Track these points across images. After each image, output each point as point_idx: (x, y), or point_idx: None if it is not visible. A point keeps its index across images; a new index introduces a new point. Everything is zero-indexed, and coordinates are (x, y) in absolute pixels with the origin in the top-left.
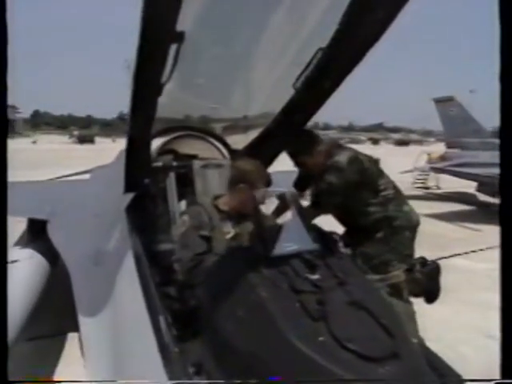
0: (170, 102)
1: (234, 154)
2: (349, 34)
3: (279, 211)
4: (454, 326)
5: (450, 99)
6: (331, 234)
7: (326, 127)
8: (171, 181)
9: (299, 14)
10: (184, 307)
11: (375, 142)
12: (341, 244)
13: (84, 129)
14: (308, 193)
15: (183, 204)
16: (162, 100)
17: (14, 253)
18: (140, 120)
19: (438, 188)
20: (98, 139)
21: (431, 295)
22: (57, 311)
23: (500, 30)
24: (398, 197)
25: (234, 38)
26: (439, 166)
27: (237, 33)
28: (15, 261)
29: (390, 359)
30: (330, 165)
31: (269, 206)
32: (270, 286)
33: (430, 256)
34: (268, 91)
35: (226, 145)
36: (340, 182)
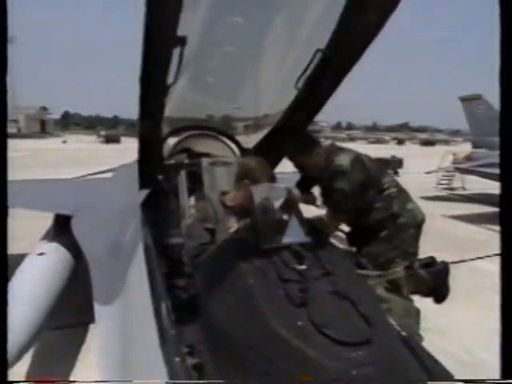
0: (189, 103)
1: (244, 152)
2: (345, 35)
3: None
4: (476, 330)
5: (477, 97)
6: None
7: (350, 127)
8: (182, 178)
9: (302, 15)
10: (183, 293)
11: (400, 142)
12: (346, 243)
13: (110, 129)
14: (318, 199)
15: (193, 199)
16: (179, 101)
17: (41, 246)
18: (149, 121)
19: (464, 189)
20: (123, 139)
21: (439, 295)
22: (80, 303)
23: (500, 30)
24: (402, 195)
25: (241, 41)
26: (464, 167)
27: (244, 36)
28: (42, 253)
29: (363, 345)
30: (333, 169)
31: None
32: (259, 274)
33: (452, 258)
34: (276, 91)
35: (237, 143)
36: (347, 185)
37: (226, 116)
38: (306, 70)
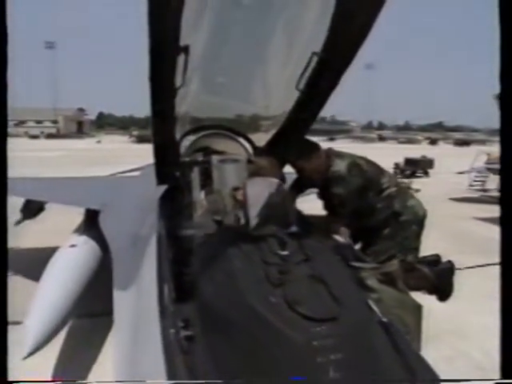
0: (197, 105)
1: (256, 150)
2: (337, 36)
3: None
4: (494, 334)
5: None
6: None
7: (381, 127)
8: (195, 174)
9: (299, 19)
10: (183, 276)
11: (433, 142)
12: (351, 242)
13: (143, 129)
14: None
15: (204, 194)
16: (188, 103)
17: (73, 238)
18: (161, 122)
19: (498, 191)
20: None
21: (442, 294)
22: (106, 292)
23: (500, 30)
24: (402, 192)
25: (242, 46)
26: (498, 167)
27: (244, 41)
28: (73, 245)
29: (328, 321)
30: (331, 176)
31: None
32: (245, 258)
33: (478, 262)
34: (278, 93)
35: (250, 142)
36: (345, 190)
37: (231, 116)
38: (304, 72)
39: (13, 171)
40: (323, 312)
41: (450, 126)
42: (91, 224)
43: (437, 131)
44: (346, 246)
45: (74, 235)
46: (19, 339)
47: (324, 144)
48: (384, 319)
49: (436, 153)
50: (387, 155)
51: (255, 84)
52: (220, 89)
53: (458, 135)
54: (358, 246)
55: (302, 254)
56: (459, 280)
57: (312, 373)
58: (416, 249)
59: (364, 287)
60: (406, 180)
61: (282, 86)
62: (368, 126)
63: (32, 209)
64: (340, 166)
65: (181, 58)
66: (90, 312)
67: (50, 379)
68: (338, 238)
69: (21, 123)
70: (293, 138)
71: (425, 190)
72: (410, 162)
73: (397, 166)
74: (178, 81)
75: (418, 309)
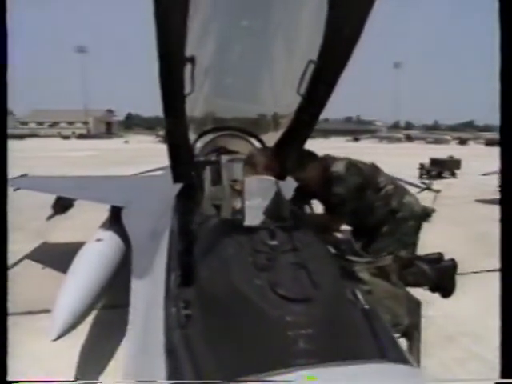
0: (208, 109)
1: (266, 149)
2: (330, 44)
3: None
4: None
5: None
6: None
7: (408, 126)
8: (207, 172)
9: (296, 26)
10: (186, 263)
11: (462, 142)
12: (348, 238)
13: None
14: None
15: (214, 189)
16: (198, 107)
17: (99, 233)
18: (173, 125)
19: None
20: None
21: (444, 291)
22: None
23: (500, 30)
24: (399, 190)
25: (245, 53)
26: None
27: (246, 48)
28: (99, 239)
29: (303, 301)
30: (330, 177)
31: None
32: (238, 247)
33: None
34: (280, 97)
35: (261, 142)
36: (344, 189)
37: (236, 118)
38: (302, 79)
39: (45, 170)
40: (299, 293)
41: (481, 125)
42: (116, 220)
43: (467, 131)
44: (343, 240)
45: (100, 230)
46: (49, 325)
47: (349, 144)
48: (366, 306)
49: (465, 153)
50: (413, 155)
51: (257, 88)
52: (225, 94)
53: (489, 135)
54: (358, 244)
55: (290, 245)
56: (481, 283)
57: (283, 344)
58: (414, 244)
59: (354, 278)
60: (426, 181)
61: (282, 91)
62: (395, 126)
63: (62, 205)
64: (338, 167)
65: (188, 66)
66: (113, 304)
67: (50, 379)
68: (336, 233)
69: (54, 124)
70: (291, 150)
71: (451, 191)
72: (435, 162)
73: (422, 166)
74: (187, 87)
75: (415, 304)
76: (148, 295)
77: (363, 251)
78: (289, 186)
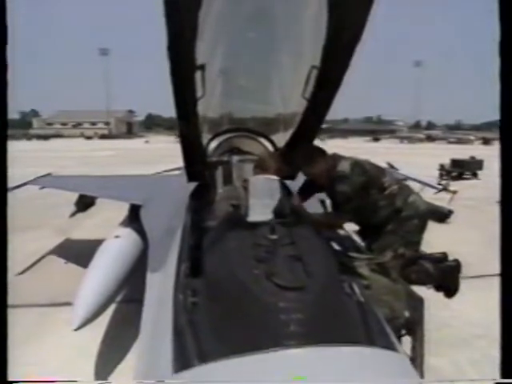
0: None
1: (277, 151)
2: (331, 50)
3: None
4: None
5: None
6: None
7: (430, 126)
8: (219, 171)
9: (299, 32)
10: (194, 257)
11: (486, 142)
12: (350, 235)
13: None
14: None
15: (225, 188)
16: (211, 110)
17: (118, 230)
18: (186, 128)
19: None
20: None
21: (447, 290)
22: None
23: (500, 30)
24: (403, 190)
25: (252, 59)
26: None
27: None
28: (117, 236)
29: (295, 289)
30: (336, 175)
31: None
32: (241, 241)
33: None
34: (287, 101)
35: (272, 143)
36: (349, 188)
37: (246, 120)
38: (307, 83)
39: (69, 170)
40: (292, 282)
41: None
42: (134, 218)
43: (492, 130)
44: (345, 237)
45: (119, 227)
46: (70, 317)
47: (368, 145)
48: (361, 298)
49: (488, 154)
50: (434, 156)
51: (266, 92)
52: (236, 98)
53: None
54: (365, 243)
55: (289, 239)
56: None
57: (276, 326)
58: (418, 242)
59: (353, 273)
60: (443, 182)
61: (290, 95)
62: (416, 126)
63: (84, 203)
64: (344, 166)
65: (198, 72)
66: (131, 298)
67: (50, 379)
68: (339, 230)
69: (78, 125)
70: (301, 146)
71: (471, 192)
72: (456, 163)
73: (442, 167)
74: (199, 92)
75: (418, 301)
76: (160, 286)
77: (368, 250)
78: (298, 185)
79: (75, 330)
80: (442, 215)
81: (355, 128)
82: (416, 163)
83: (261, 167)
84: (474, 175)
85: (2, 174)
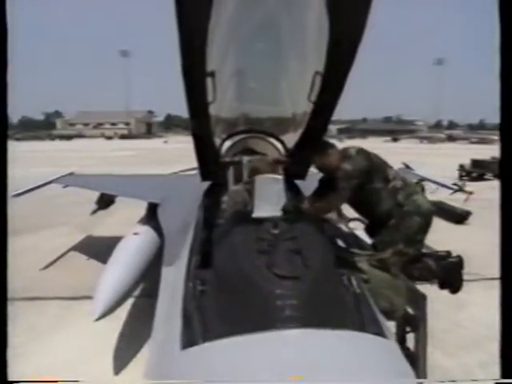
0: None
1: (288, 151)
2: (332, 56)
3: None
4: None
5: None
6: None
7: (451, 126)
8: (230, 171)
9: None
10: (204, 250)
11: None
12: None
13: None
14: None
15: (235, 187)
16: (222, 113)
17: (137, 227)
18: (198, 131)
19: None
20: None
21: (451, 287)
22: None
23: (500, 30)
24: (407, 187)
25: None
26: None
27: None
28: (136, 233)
29: (291, 278)
30: (342, 159)
31: None
32: (246, 235)
33: None
34: (298, 102)
35: (282, 143)
36: (350, 166)
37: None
38: (312, 88)
39: (90, 169)
40: (290, 272)
41: None
42: (152, 215)
43: None
44: (349, 234)
45: (137, 225)
46: (91, 309)
47: (386, 145)
48: (357, 290)
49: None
50: (453, 156)
51: (276, 96)
52: (246, 102)
53: None
54: (372, 241)
55: (290, 234)
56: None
57: (273, 311)
58: (420, 241)
59: (353, 267)
60: (459, 182)
61: (298, 98)
62: (437, 126)
63: (105, 201)
64: (350, 151)
65: (209, 79)
66: (149, 293)
67: (50, 379)
68: (341, 226)
69: (99, 125)
70: (312, 143)
71: (491, 193)
72: (477, 163)
73: (462, 167)
74: (210, 97)
75: (420, 297)
76: (173, 277)
77: (373, 248)
78: (309, 185)
79: (95, 320)
80: (460, 217)
81: (374, 128)
82: (435, 163)
83: (258, 170)
84: (496, 176)
85: (2, 174)
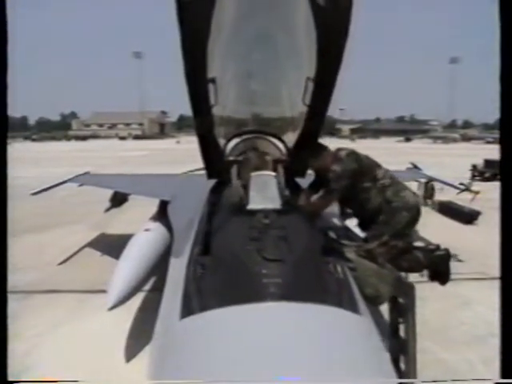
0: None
1: (288, 151)
2: (321, 63)
3: None
4: None
5: None
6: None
7: (466, 125)
8: (234, 170)
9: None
10: (205, 238)
11: None
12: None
13: None
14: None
15: (238, 183)
16: (225, 114)
17: (148, 224)
18: (202, 132)
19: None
20: None
21: (440, 278)
22: None
23: (500, 30)
24: (395, 185)
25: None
26: None
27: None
28: (147, 229)
29: (275, 261)
30: (333, 161)
31: None
32: (240, 225)
33: None
34: (294, 106)
35: (284, 143)
36: (340, 168)
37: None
38: (305, 91)
39: (105, 168)
40: (276, 255)
41: None
42: (163, 213)
43: None
44: (341, 227)
45: (149, 221)
46: (105, 300)
47: (399, 145)
48: (340, 275)
49: None
50: (467, 156)
51: (274, 100)
52: (246, 105)
53: None
54: (365, 235)
55: (279, 224)
56: None
57: (260, 288)
58: (408, 234)
59: (340, 256)
60: (466, 182)
61: (294, 101)
62: (451, 125)
63: (118, 199)
64: (341, 153)
65: (211, 84)
66: (160, 287)
67: (50, 379)
68: (333, 219)
69: (113, 126)
70: (307, 144)
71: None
72: (490, 163)
73: (474, 167)
74: (212, 101)
75: (409, 287)
76: (178, 265)
77: (364, 241)
78: (308, 182)
79: (109, 309)
80: (469, 216)
81: (387, 128)
82: (447, 164)
83: (255, 167)
84: None
85: (2, 174)
